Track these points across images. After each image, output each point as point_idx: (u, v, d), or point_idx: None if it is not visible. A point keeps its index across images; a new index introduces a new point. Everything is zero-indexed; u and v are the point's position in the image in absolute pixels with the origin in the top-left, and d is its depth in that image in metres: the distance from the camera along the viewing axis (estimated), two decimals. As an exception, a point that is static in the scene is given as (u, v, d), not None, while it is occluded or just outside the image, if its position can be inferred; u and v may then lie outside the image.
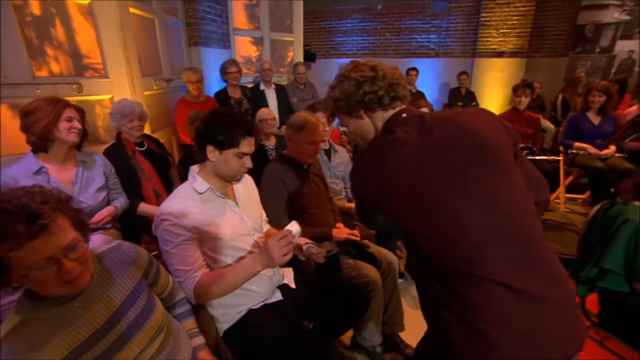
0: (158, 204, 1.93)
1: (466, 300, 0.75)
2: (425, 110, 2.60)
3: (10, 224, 0.69)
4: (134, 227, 1.87)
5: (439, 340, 0.83)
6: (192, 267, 1.12)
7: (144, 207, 1.89)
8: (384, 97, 0.92)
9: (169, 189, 2.04)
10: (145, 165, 1.94)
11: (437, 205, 0.77)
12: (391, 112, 0.94)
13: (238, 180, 1.26)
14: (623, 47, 4.92)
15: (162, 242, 1.12)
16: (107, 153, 1.89)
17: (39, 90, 1.90)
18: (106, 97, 2.29)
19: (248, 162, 1.20)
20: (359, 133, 1.01)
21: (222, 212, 1.21)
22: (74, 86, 2.10)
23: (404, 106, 0.96)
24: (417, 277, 0.91)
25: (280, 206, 1.63)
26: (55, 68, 2.03)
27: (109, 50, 2.22)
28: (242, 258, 1.23)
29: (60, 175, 1.53)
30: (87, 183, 1.62)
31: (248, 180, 1.40)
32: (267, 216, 1.52)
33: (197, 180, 1.19)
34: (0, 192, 0.74)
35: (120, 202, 1.79)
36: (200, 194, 1.17)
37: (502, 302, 0.73)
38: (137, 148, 1.97)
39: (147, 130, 2.19)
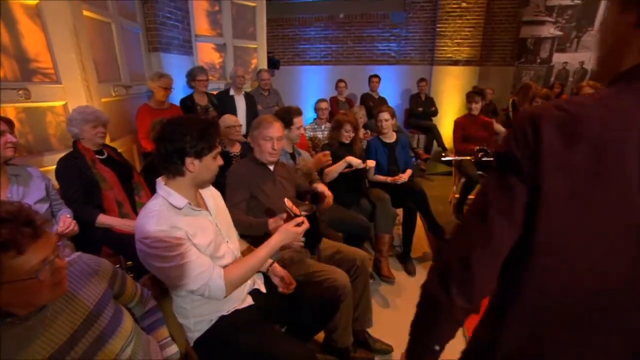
0: (120, 213, 1.87)
1: None
2: (386, 115, 2.71)
3: (16, 229, 0.68)
4: (92, 239, 1.79)
5: None
6: (209, 264, 1.12)
7: (103, 219, 1.80)
8: None
9: (132, 198, 1.98)
10: (107, 174, 1.87)
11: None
12: None
13: (213, 181, 1.26)
14: (559, 59, 5.48)
15: (162, 260, 1.06)
16: (63, 163, 1.80)
17: (-19, 96, 1.77)
18: (59, 103, 2.17)
19: (220, 159, 1.21)
20: None
21: (201, 224, 1.19)
22: (21, 92, 1.97)
23: None
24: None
25: (239, 197, 1.63)
26: (-2, 72, 1.90)
27: (61, 54, 2.11)
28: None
29: None
30: (24, 197, 1.54)
31: (213, 190, 1.38)
32: (227, 206, 1.46)
33: (172, 195, 1.12)
34: None
35: (69, 213, 1.72)
36: (180, 209, 1.13)
37: None
38: (97, 156, 1.89)
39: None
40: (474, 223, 0.62)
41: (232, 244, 1.31)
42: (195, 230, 1.14)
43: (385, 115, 2.71)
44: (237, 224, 1.48)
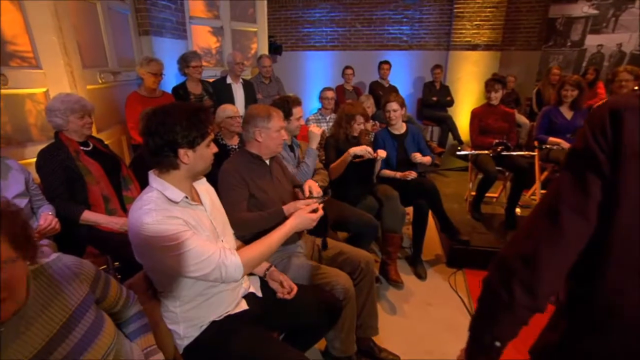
0: (107, 209, 1.88)
1: None
2: (394, 105, 2.67)
3: None
4: (75, 238, 1.80)
5: None
6: (217, 246, 1.14)
7: (88, 216, 1.81)
8: None
9: (120, 193, 1.98)
10: (93, 166, 1.87)
11: None
12: None
13: (209, 171, 1.27)
14: (593, 41, 5.29)
15: (165, 251, 1.06)
16: (45, 154, 1.80)
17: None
18: (39, 90, 2.17)
19: (213, 146, 1.21)
20: None
21: (197, 219, 1.19)
22: (-4, 77, 1.98)
23: None
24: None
25: (240, 196, 1.63)
26: (-30, 56, 1.91)
27: (40, 36, 2.10)
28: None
29: None
30: (1, 191, 1.55)
31: (207, 185, 1.38)
32: (224, 207, 1.49)
33: (169, 188, 1.14)
34: None
35: (50, 209, 1.73)
36: (176, 203, 1.14)
37: None
38: (81, 148, 1.89)
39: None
40: (542, 221, 0.66)
41: (227, 244, 1.31)
42: (194, 223, 1.15)
43: (393, 105, 2.69)
44: (245, 224, 1.53)
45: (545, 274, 0.64)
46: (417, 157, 2.63)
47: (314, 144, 2.18)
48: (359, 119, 2.52)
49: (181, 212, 1.12)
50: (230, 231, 1.40)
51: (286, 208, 1.57)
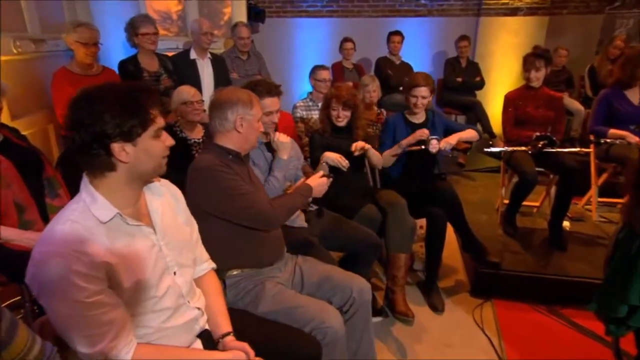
0: (21, 221, 1.86)
1: None
2: (424, 91, 2.66)
3: None
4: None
5: None
6: (118, 327, 1.08)
7: (-4, 230, 1.78)
8: None
9: (41, 199, 1.98)
10: (2, 165, 1.84)
11: None
12: None
13: (164, 171, 1.24)
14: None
15: (51, 300, 1.03)
16: None
17: None
18: None
19: (169, 140, 1.20)
20: None
21: (136, 247, 1.17)
22: None
23: None
24: None
25: (245, 188, 1.69)
26: None
27: None
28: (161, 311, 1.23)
29: None
30: None
31: (169, 192, 1.37)
32: (236, 205, 1.64)
33: (96, 201, 1.11)
34: None
35: None
36: (104, 223, 1.10)
37: None
38: (-15, 140, 1.89)
39: (4, 116, 2.08)
40: None
41: (181, 277, 1.29)
42: (123, 257, 1.11)
43: (423, 91, 2.70)
44: (279, 216, 1.74)
45: None
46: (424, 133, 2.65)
47: (284, 154, 2.17)
48: (333, 104, 2.55)
49: (106, 241, 1.09)
50: (190, 259, 1.38)
51: (307, 180, 1.96)
